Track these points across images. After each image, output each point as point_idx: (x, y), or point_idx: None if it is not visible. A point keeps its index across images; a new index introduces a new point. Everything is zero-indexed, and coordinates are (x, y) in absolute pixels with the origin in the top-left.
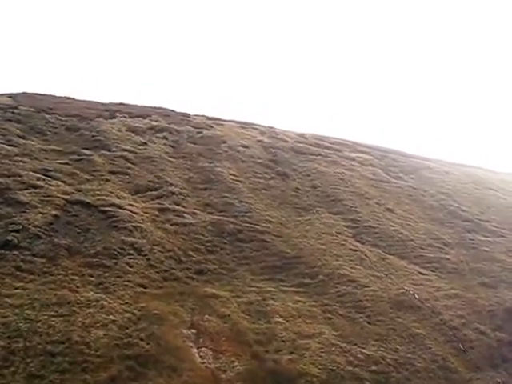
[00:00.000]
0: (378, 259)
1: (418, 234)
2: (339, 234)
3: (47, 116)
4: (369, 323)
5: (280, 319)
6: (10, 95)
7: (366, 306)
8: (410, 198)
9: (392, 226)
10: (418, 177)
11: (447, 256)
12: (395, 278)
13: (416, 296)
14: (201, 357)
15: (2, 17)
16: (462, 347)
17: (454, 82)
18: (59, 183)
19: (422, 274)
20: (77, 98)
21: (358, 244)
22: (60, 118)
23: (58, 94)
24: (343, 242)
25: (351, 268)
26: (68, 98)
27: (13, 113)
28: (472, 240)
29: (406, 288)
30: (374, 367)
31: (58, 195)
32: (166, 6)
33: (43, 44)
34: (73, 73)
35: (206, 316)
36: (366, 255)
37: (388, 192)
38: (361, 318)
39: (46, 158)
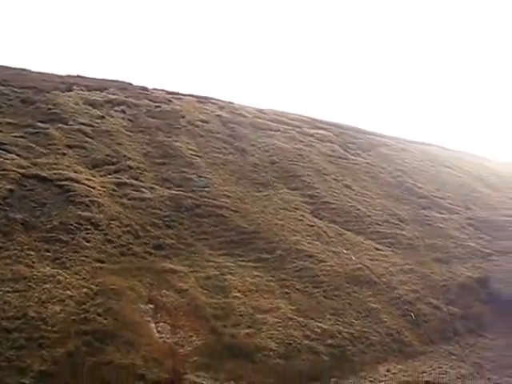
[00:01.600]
0: (336, 235)
1: (374, 210)
2: (297, 209)
3: (1, 88)
4: (325, 298)
5: (238, 294)
6: None
7: (322, 281)
8: (368, 175)
9: (349, 202)
10: (376, 154)
11: (403, 232)
12: (352, 254)
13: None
14: (158, 332)
15: None
16: (413, 316)
17: (449, 73)
18: (14, 157)
19: (378, 249)
20: (32, 69)
21: (315, 220)
22: (15, 90)
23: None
24: (301, 218)
25: (308, 243)
26: (24, 70)
27: None
28: (427, 216)
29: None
30: (330, 341)
31: (13, 169)
32: None
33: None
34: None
35: (164, 291)
36: (323, 231)
37: (346, 168)
38: (318, 292)
39: (1, 131)
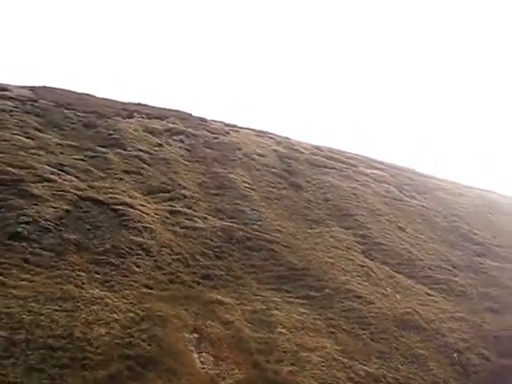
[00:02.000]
0: (386, 277)
1: (427, 255)
2: (348, 248)
3: (66, 111)
4: (372, 340)
5: (283, 330)
6: (31, 88)
7: (370, 323)
8: (422, 218)
9: (402, 244)
10: (432, 197)
11: (455, 278)
12: (402, 297)
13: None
14: (201, 362)
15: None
16: (456, 357)
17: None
18: (73, 179)
19: (428, 294)
20: (96, 95)
21: (366, 260)
22: (78, 113)
23: (78, 90)
24: (352, 257)
25: (358, 284)
26: (87, 95)
27: (32, 106)
28: (482, 264)
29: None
30: None
31: (71, 190)
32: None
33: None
34: (92, 71)
35: (209, 321)
36: (373, 272)
37: (400, 210)
38: (364, 334)
39: (62, 153)
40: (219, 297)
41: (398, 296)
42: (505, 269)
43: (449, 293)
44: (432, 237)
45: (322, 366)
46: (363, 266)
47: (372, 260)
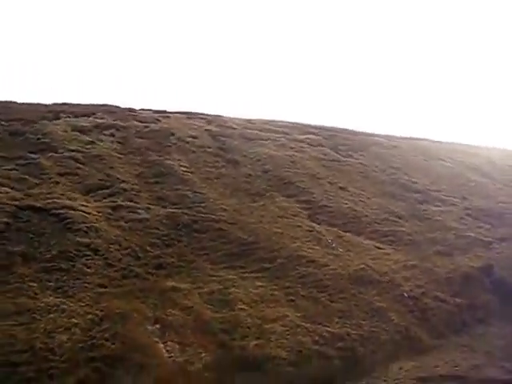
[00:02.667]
0: (335, 237)
1: (371, 210)
2: (294, 216)
3: None
4: (331, 301)
5: (243, 306)
6: None
7: (326, 285)
8: (362, 175)
9: (346, 203)
10: (368, 153)
11: (402, 228)
12: (353, 255)
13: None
14: (167, 351)
15: None
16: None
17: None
18: (8, 190)
19: (379, 248)
20: (18, 101)
21: (313, 224)
22: (2, 123)
23: None
24: (299, 224)
25: (309, 249)
26: (9, 102)
27: None
28: (425, 211)
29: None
30: (340, 344)
31: (8, 202)
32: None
33: None
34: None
35: (169, 310)
36: (322, 235)
37: (339, 171)
38: (323, 297)
39: None
40: (175, 284)
41: (350, 254)
42: (447, 212)
43: (398, 243)
44: (373, 192)
45: (287, 334)
46: (311, 231)
47: (319, 224)
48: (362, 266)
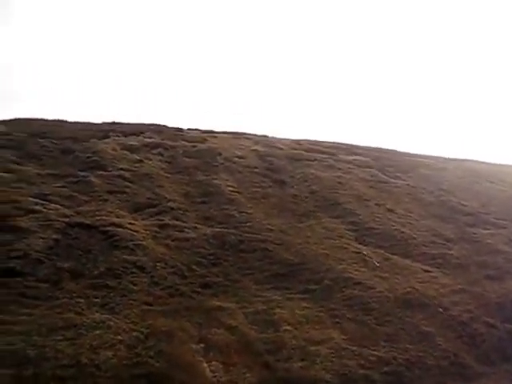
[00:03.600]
0: (382, 260)
1: (419, 232)
2: (341, 237)
3: (41, 140)
4: (377, 324)
5: (288, 327)
6: (3, 122)
7: (373, 308)
8: (409, 197)
9: (393, 225)
10: (416, 175)
11: (450, 251)
12: (401, 278)
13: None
14: (211, 371)
15: None
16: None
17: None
18: (58, 207)
19: (426, 271)
20: (69, 120)
21: (360, 246)
22: (54, 141)
23: (49, 118)
24: (345, 246)
25: (356, 271)
26: (60, 121)
27: (7, 139)
28: (474, 234)
29: None
30: (385, 368)
31: (58, 219)
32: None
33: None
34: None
35: (214, 329)
36: (369, 257)
37: (387, 192)
38: (369, 319)
39: (43, 183)
40: (220, 303)
41: (397, 277)
42: (497, 235)
43: (446, 266)
44: (421, 214)
45: (332, 356)
46: (358, 253)
47: (366, 245)
48: (410, 289)
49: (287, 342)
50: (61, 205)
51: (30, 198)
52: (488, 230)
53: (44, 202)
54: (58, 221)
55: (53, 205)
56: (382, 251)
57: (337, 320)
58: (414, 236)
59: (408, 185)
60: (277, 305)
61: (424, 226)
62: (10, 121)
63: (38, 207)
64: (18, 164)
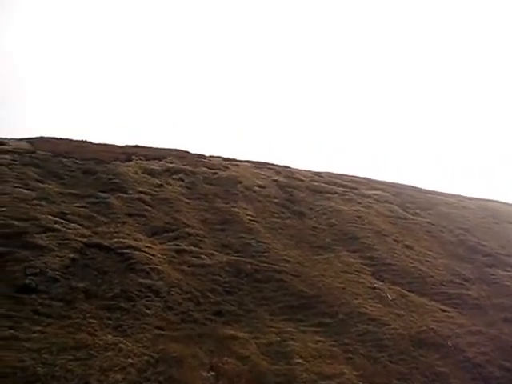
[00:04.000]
0: (398, 296)
1: (437, 270)
2: (357, 272)
3: (64, 160)
4: (390, 362)
5: (300, 360)
6: (28, 140)
7: (387, 345)
8: (429, 234)
9: (411, 262)
10: (436, 212)
11: (468, 292)
12: (416, 316)
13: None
14: None
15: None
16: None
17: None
18: (76, 226)
19: (443, 310)
20: (93, 141)
21: (376, 282)
22: (77, 161)
23: (74, 138)
24: (362, 280)
25: (371, 306)
26: (85, 142)
27: (30, 157)
28: (493, 275)
29: None
30: None
31: (76, 238)
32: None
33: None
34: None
35: (225, 358)
36: (385, 293)
37: (406, 228)
38: (382, 357)
39: (64, 202)
40: (233, 332)
41: (413, 315)
42: None
43: (463, 307)
44: (440, 252)
45: None
46: (374, 288)
47: (382, 281)
48: (425, 327)
49: (298, 374)
50: (79, 224)
51: (50, 216)
52: (507, 271)
53: (63, 221)
54: (76, 240)
55: (72, 224)
56: (399, 288)
57: (349, 355)
58: (432, 274)
59: (428, 222)
60: (290, 337)
61: (442, 265)
62: (35, 139)
63: (56, 226)
64: (39, 182)
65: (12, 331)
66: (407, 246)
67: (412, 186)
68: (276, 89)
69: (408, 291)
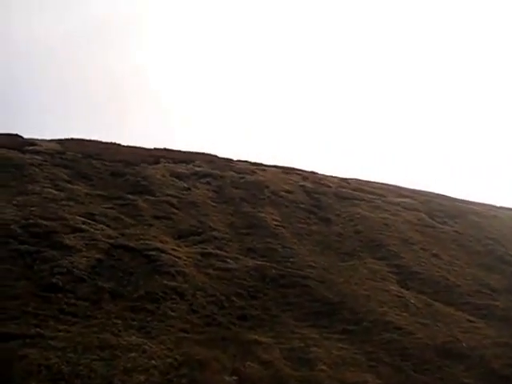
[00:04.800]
0: (424, 306)
1: (465, 280)
2: (383, 279)
3: (93, 161)
4: (415, 372)
5: (323, 367)
6: (59, 141)
7: (411, 354)
8: (456, 244)
9: (438, 271)
10: (464, 221)
11: (496, 303)
12: (442, 326)
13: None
14: None
15: None
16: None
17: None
18: (104, 227)
19: (469, 321)
20: (122, 143)
21: (402, 290)
22: (106, 163)
23: (104, 140)
24: (387, 288)
25: (396, 315)
26: (114, 144)
27: (61, 158)
28: None
29: None
30: None
31: (103, 239)
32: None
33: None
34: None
35: (248, 362)
36: (411, 301)
37: (433, 237)
38: (406, 366)
39: (92, 203)
40: (256, 337)
41: (439, 324)
42: None
43: (490, 318)
44: (468, 262)
45: None
46: (400, 297)
47: (408, 290)
48: (451, 338)
49: (321, 381)
50: (107, 225)
51: (78, 217)
52: None
53: (91, 222)
54: (103, 241)
55: (99, 225)
56: (425, 297)
57: (373, 363)
58: (459, 284)
59: (456, 231)
60: (314, 343)
61: (469, 275)
62: (65, 140)
63: (84, 226)
64: (68, 183)
65: (38, 329)
66: (434, 255)
67: (441, 195)
68: (284, 89)
69: (434, 300)
